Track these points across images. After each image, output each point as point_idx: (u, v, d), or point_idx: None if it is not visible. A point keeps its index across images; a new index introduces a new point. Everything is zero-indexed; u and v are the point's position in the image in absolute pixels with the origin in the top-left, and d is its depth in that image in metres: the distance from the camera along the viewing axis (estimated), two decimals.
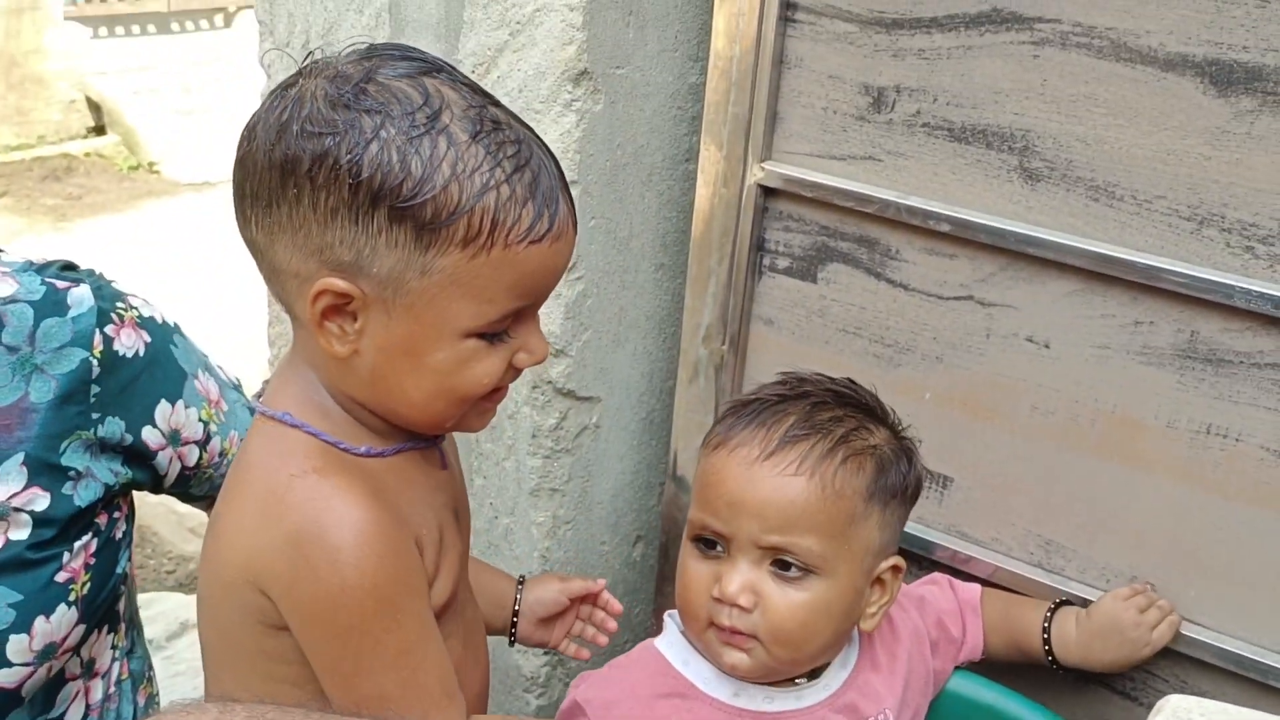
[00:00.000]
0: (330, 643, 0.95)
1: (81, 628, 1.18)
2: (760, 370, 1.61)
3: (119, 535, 1.23)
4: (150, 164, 7.78)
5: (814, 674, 1.21)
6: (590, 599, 1.39)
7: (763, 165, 1.55)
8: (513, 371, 1.00)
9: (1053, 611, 1.38)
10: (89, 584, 1.18)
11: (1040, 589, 1.44)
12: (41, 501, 1.13)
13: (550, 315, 1.63)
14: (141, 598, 2.27)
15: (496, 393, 1.01)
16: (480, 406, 1.02)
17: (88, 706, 1.26)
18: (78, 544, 1.16)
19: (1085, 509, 1.42)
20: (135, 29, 8.59)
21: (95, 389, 1.16)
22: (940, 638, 1.34)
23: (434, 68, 0.95)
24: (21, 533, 1.12)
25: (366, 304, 0.93)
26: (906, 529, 1.52)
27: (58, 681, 1.21)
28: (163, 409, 1.24)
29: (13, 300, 1.14)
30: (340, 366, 0.97)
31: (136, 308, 1.23)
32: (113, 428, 1.19)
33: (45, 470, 1.14)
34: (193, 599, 2.74)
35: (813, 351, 1.58)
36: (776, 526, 1.12)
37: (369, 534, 0.93)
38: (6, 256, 1.21)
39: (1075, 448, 1.41)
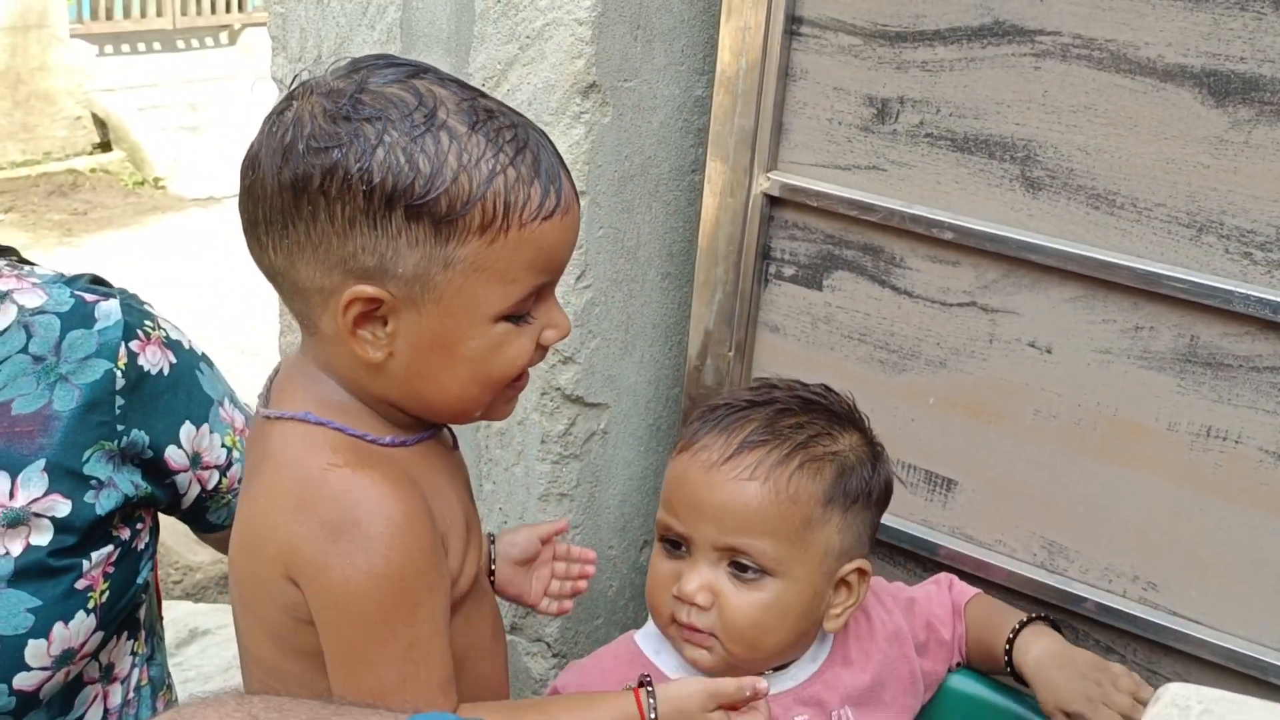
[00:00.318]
0: (345, 628, 0.97)
1: (100, 634, 1.19)
2: (766, 376, 1.63)
3: (140, 546, 1.24)
4: (156, 179, 7.79)
5: (781, 666, 1.23)
6: (565, 555, 1.35)
7: (768, 175, 1.57)
8: (540, 351, 1.03)
9: (1024, 624, 1.32)
10: (108, 592, 1.19)
11: (1043, 589, 1.45)
12: (62, 508, 1.15)
13: None
14: None
15: (522, 378, 1.04)
16: (506, 394, 1.04)
17: (106, 710, 1.27)
18: (96, 554, 1.18)
19: (1087, 510, 1.43)
20: (141, 46, 8.64)
21: (120, 401, 1.18)
22: (929, 639, 1.34)
23: (420, 70, 0.97)
24: (43, 538, 1.14)
25: (396, 305, 0.95)
26: (911, 531, 1.55)
27: (76, 685, 1.22)
28: (187, 430, 1.25)
29: (41, 311, 1.17)
30: (373, 371, 0.99)
31: (165, 329, 1.25)
32: (137, 440, 1.20)
33: (67, 477, 1.15)
34: (201, 607, 2.76)
35: (818, 358, 1.60)
36: (732, 529, 1.16)
37: (402, 527, 0.95)
38: (39, 269, 1.23)
39: (1077, 450, 1.42)
